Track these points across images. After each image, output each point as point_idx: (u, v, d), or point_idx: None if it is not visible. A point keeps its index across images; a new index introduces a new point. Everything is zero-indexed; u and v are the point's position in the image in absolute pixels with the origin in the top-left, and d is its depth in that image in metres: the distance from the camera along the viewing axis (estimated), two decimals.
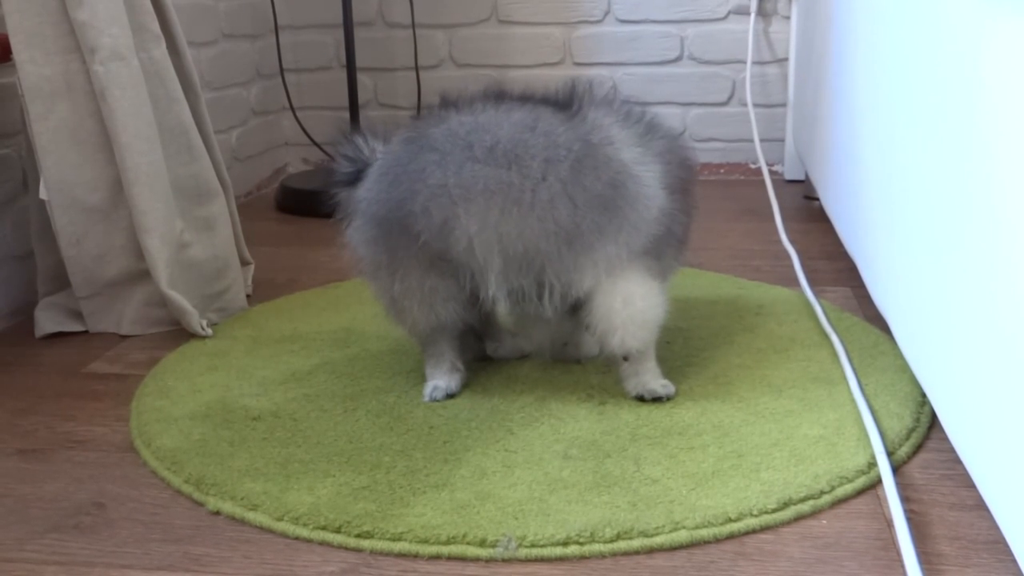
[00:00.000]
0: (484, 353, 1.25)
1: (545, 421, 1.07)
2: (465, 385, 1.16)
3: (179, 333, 1.38)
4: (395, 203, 1.06)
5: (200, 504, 0.94)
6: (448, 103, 1.12)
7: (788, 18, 2.33)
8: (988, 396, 0.76)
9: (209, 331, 1.37)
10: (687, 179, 1.15)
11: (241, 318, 1.44)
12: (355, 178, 1.13)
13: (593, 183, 1.04)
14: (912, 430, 1.02)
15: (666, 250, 1.11)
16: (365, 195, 1.10)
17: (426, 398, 1.14)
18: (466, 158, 1.04)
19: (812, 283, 1.50)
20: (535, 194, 1.03)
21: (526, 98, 1.12)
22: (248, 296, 1.53)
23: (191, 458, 1.00)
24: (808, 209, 2.06)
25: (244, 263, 1.58)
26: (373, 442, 1.03)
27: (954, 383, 0.88)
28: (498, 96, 1.12)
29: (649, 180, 1.08)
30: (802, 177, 2.29)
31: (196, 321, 1.35)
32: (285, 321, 1.42)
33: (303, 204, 2.16)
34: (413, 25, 2.26)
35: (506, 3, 2.42)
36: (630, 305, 1.07)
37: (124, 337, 1.40)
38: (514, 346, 1.26)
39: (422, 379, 1.17)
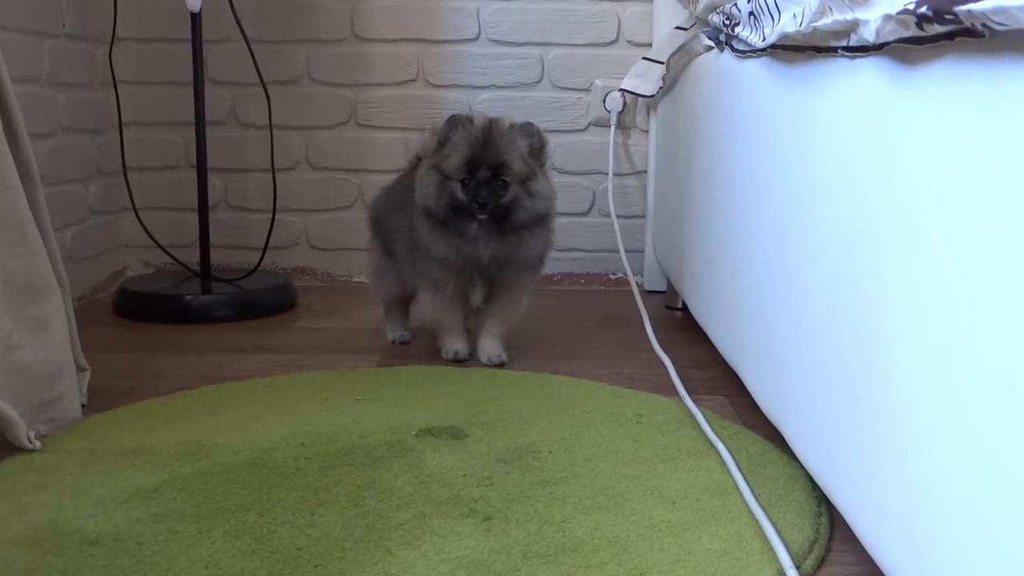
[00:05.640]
0: None
1: (427, 539, 0.97)
2: (333, 501, 1.05)
3: (2, 446, 1.22)
4: None
5: None
6: None
7: (647, 132, 2.36)
8: (900, 502, 0.72)
9: (37, 444, 1.21)
10: None
11: (75, 429, 1.29)
12: None
13: None
14: (814, 542, 0.97)
15: None
16: None
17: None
18: None
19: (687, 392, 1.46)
20: None
21: None
22: (83, 406, 1.37)
23: None
24: (671, 318, 2.06)
25: (80, 369, 1.42)
26: (232, 568, 0.90)
27: (863, 489, 0.84)
28: None
29: None
30: (662, 288, 2.29)
31: (23, 433, 1.20)
32: (126, 432, 1.27)
33: (145, 308, 2.01)
34: (271, 126, 2.18)
35: (366, 106, 2.37)
36: None
37: None
38: None
39: (288, 493, 1.06)
